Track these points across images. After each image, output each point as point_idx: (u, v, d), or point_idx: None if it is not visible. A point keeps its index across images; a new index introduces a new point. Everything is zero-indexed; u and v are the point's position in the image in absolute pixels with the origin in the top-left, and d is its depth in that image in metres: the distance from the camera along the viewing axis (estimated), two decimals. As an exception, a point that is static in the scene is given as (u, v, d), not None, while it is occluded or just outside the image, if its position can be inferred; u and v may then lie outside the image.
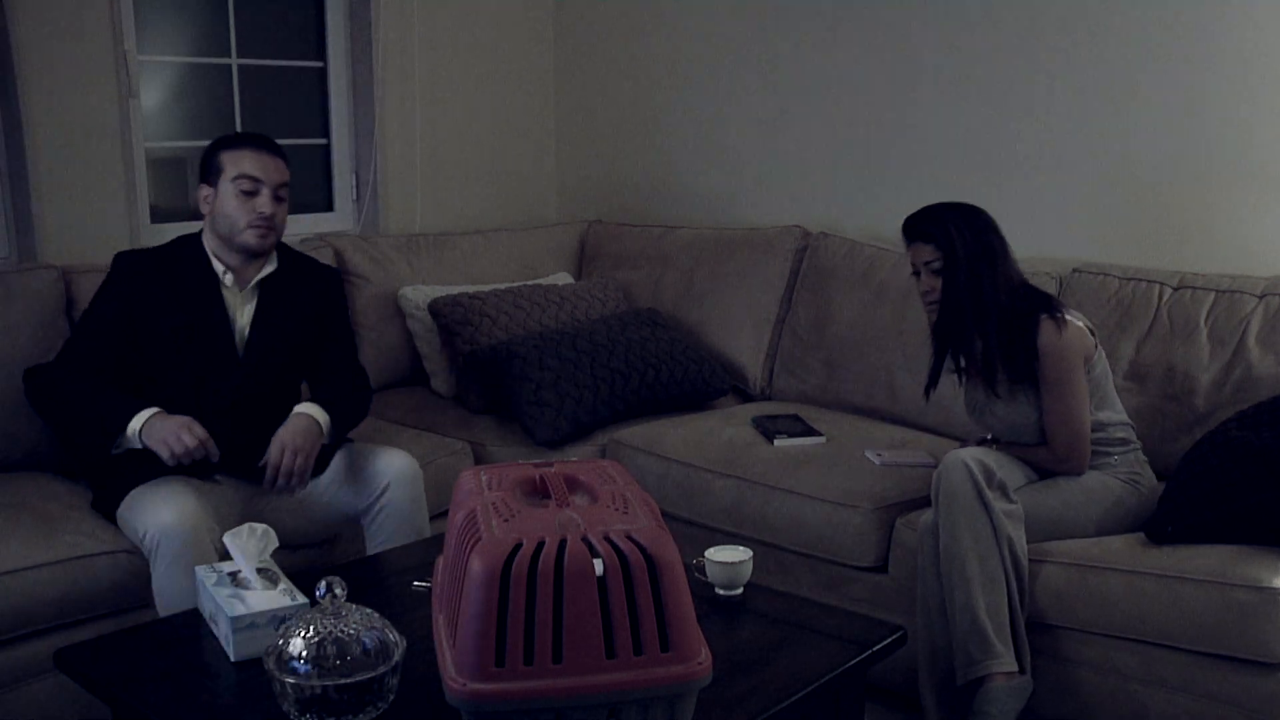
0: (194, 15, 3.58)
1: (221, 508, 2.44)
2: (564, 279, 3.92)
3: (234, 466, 2.53)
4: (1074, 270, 3.10)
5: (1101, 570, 2.36)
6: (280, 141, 2.64)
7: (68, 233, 3.16)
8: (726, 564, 2.16)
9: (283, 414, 2.55)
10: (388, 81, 3.84)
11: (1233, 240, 3.02)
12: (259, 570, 2.01)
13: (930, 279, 2.56)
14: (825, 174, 3.76)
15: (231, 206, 2.54)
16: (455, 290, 3.54)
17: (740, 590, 2.17)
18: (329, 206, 3.92)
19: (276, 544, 2.09)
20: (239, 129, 3.66)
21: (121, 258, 2.62)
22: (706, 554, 2.19)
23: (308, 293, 2.72)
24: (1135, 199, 3.17)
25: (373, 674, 1.63)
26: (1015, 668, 2.33)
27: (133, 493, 2.41)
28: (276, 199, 2.57)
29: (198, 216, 3.60)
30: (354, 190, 3.93)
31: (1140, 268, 3.03)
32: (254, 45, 3.68)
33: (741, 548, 2.21)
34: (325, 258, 3.44)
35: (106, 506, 2.48)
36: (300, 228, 3.77)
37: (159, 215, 3.50)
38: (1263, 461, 2.29)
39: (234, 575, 2.01)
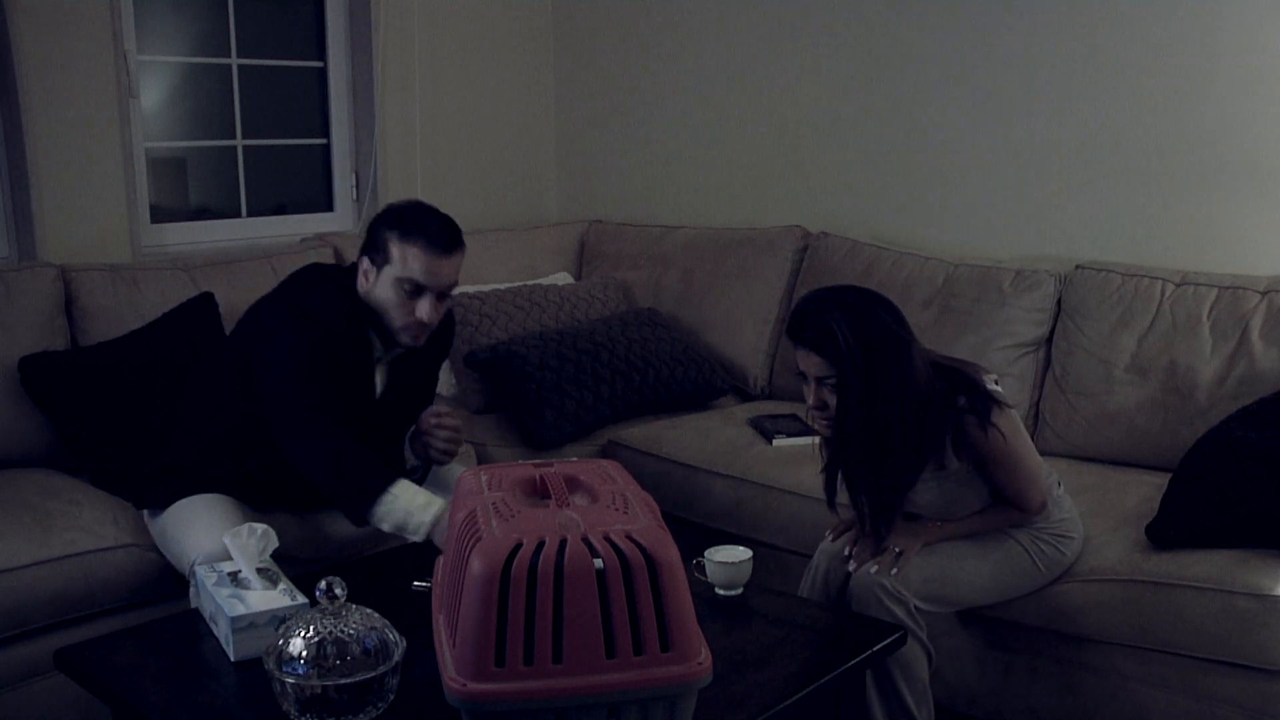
0: (194, 15, 3.57)
1: None
2: (564, 279, 3.92)
3: (295, 502, 2.47)
4: (1076, 266, 3.10)
5: (1100, 581, 2.34)
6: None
7: (68, 232, 3.17)
8: (726, 564, 2.15)
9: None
10: (388, 81, 3.84)
11: (1234, 240, 3.01)
12: (259, 570, 2.01)
13: (823, 393, 2.18)
14: (825, 174, 3.76)
15: (389, 302, 2.28)
16: (455, 290, 3.54)
17: (740, 590, 2.17)
18: (329, 206, 3.92)
19: (276, 544, 2.09)
20: (239, 129, 3.67)
21: (313, 328, 2.26)
22: (706, 554, 2.18)
23: (430, 344, 2.45)
24: (1137, 198, 3.16)
25: (373, 674, 1.63)
26: None
27: (179, 506, 2.35)
28: (439, 298, 2.31)
29: (197, 216, 3.66)
30: (354, 190, 3.93)
31: (1142, 265, 3.04)
32: (254, 45, 3.68)
33: (741, 548, 2.20)
34: (325, 258, 3.44)
35: (149, 504, 2.43)
36: (300, 227, 3.78)
37: (159, 215, 3.50)
38: (1266, 464, 2.28)
39: (234, 575, 2.01)
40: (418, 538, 2.17)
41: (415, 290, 2.27)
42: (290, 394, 2.24)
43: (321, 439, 2.22)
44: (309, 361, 2.24)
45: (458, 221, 2.35)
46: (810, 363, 2.17)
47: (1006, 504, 2.30)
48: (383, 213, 2.35)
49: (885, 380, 2.13)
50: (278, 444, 2.25)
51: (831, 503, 2.37)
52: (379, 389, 2.44)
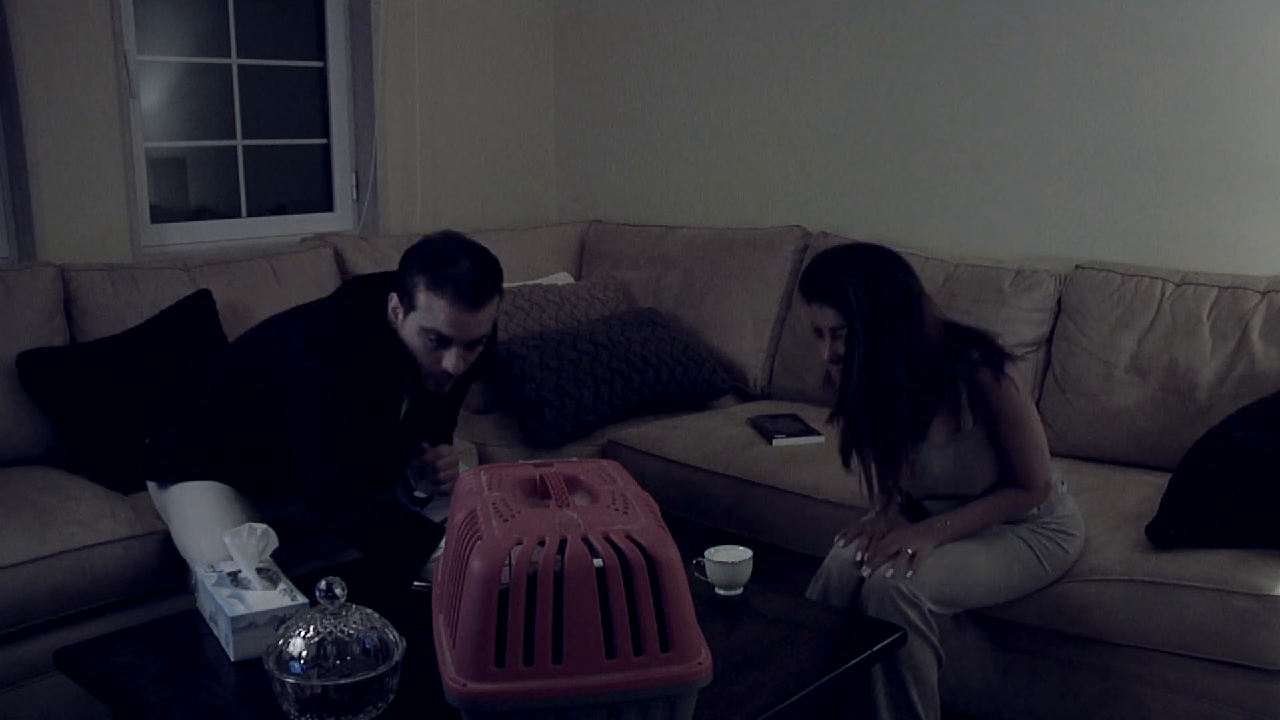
0: (194, 15, 3.58)
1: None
2: (564, 279, 3.92)
3: (298, 493, 2.41)
4: (1076, 266, 3.10)
5: (1101, 581, 2.34)
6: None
7: (67, 232, 3.16)
8: (726, 564, 2.15)
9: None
10: (388, 81, 3.84)
11: (1234, 240, 3.01)
12: (259, 570, 2.01)
13: (837, 346, 2.23)
14: (825, 174, 3.76)
15: (415, 348, 2.20)
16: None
17: (740, 590, 2.17)
18: (329, 206, 3.92)
19: (276, 544, 2.09)
20: (239, 129, 3.67)
21: (341, 362, 2.20)
22: (706, 554, 2.18)
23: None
24: (1137, 198, 3.16)
25: (373, 674, 1.63)
26: None
27: (183, 496, 2.34)
28: (468, 348, 2.21)
29: (197, 216, 3.66)
30: (354, 190, 3.93)
31: (1142, 265, 3.04)
32: (254, 45, 3.68)
33: (741, 548, 2.20)
34: (325, 258, 3.44)
35: (154, 478, 2.42)
36: (300, 227, 3.78)
37: (159, 215, 3.50)
38: (1266, 464, 2.28)
39: (234, 575, 2.01)
40: None
41: (441, 342, 2.17)
42: (318, 443, 2.17)
43: (357, 495, 2.16)
44: (337, 402, 2.18)
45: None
46: (823, 315, 2.22)
47: (1011, 486, 2.30)
48: (416, 247, 2.22)
49: (893, 333, 2.18)
50: (309, 498, 2.21)
51: (846, 462, 2.38)
52: (402, 416, 2.40)
